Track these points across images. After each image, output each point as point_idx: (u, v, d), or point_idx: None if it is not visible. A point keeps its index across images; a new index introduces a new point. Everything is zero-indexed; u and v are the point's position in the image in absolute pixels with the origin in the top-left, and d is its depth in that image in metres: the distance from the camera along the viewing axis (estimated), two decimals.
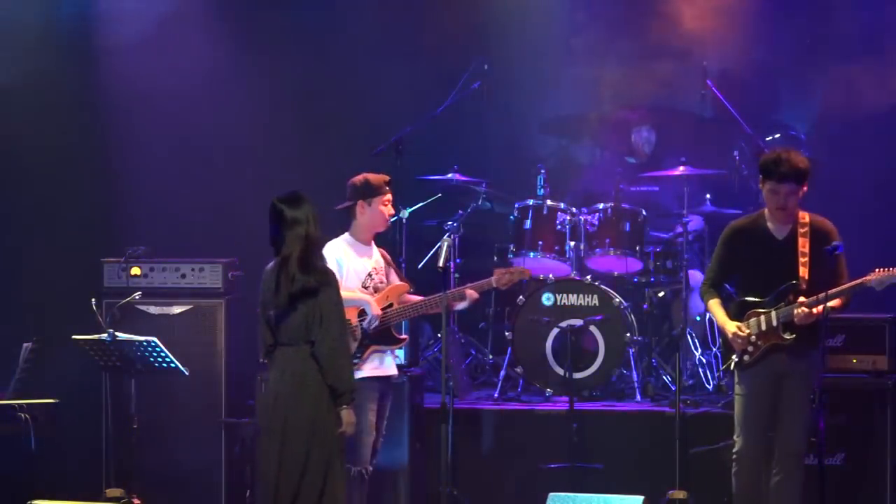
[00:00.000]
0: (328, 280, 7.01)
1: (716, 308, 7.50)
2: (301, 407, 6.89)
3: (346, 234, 7.95)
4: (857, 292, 7.24)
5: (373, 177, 7.94)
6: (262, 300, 7.04)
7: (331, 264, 7.59)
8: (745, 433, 7.39)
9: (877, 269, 7.19)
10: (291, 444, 6.87)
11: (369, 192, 7.89)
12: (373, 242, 8.03)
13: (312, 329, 6.91)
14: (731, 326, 7.37)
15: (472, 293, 7.95)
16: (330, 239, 7.81)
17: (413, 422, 8.82)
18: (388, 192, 7.93)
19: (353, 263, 7.85)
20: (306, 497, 6.87)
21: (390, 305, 7.90)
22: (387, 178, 7.97)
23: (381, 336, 7.86)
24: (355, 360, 7.63)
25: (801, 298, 7.23)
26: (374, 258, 7.99)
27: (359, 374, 7.64)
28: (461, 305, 8.05)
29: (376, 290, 7.90)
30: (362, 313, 7.78)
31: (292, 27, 10.76)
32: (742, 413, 7.42)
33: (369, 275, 7.91)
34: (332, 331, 6.93)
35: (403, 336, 8.00)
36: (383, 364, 7.90)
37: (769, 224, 7.41)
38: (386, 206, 7.92)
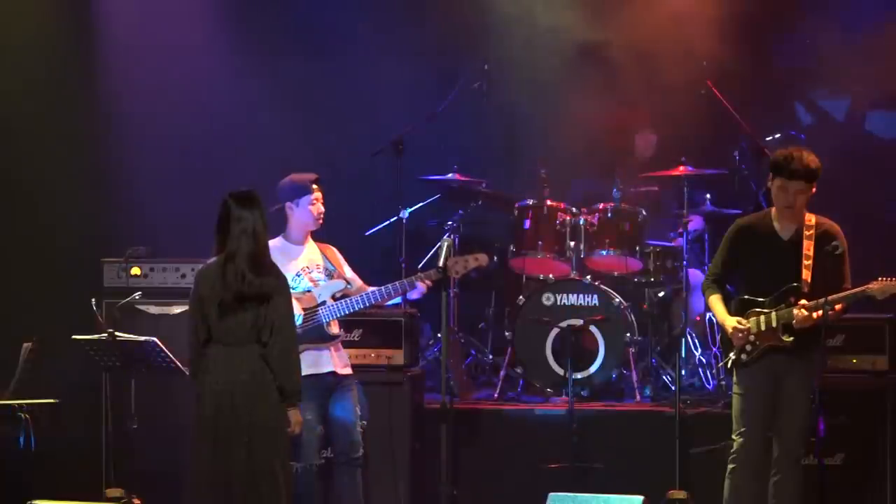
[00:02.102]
0: (281, 283, 7.00)
1: (716, 304, 7.50)
2: (263, 408, 6.88)
3: (279, 237, 7.99)
4: (859, 299, 7.24)
5: (298, 177, 7.97)
6: (200, 296, 6.95)
7: None
8: (743, 432, 7.39)
9: (880, 278, 7.18)
10: (258, 446, 6.85)
11: (295, 192, 7.94)
12: (309, 241, 8.03)
13: (263, 331, 6.89)
14: (730, 321, 7.37)
15: (424, 284, 7.92)
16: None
17: (413, 422, 8.83)
18: (315, 190, 7.94)
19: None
20: (271, 493, 6.88)
21: (323, 303, 7.89)
22: (314, 176, 7.97)
23: (313, 334, 7.84)
24: None
25: (802, 301, 7.23)
26: (307, 257, 7.99)
27: None
28: (414, 295, 8.01)
29: (307, 290, 7.90)
30: None
31: (292, 27, 10.77)
32: (740, 412, 7.42)
33: (297, 275, 7.91)
34: (284, 332, 6.93)
35: (338, 332, 7.95)
36: (317, 362, 7.87)
37: (775, 223, 7.41)
38: (314, 204, 7.94)
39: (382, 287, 7.97)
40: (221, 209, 6.98)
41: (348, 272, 8.13)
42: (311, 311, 7.87)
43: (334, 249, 8.16)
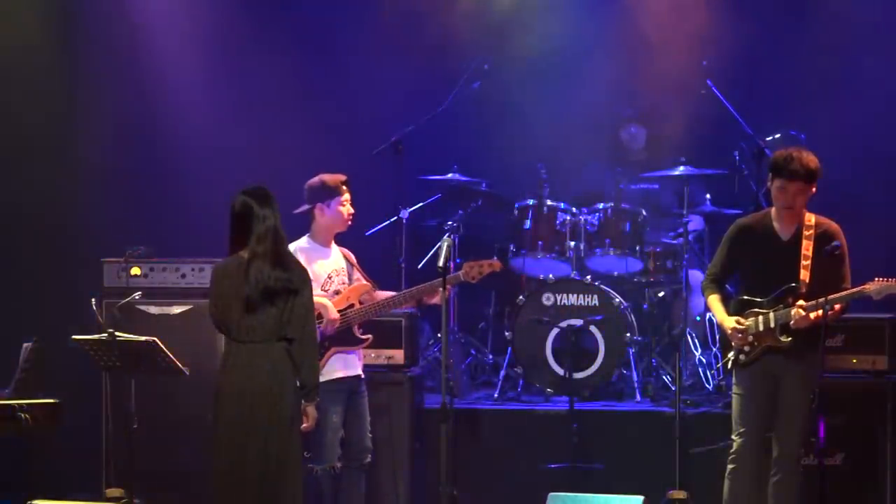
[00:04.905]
0: (306, 278, 7.01)
1: (715, 303, 7.50)
2: (283, 404, 6.89)
3: (305, 238, 7.97)
4: (857, 299, 7.24)
5: (329, 178, 7.94)
6: (220, 295, 6.96)
7: None
8: (743, 433, 7.39)
9: (877, 279, 7.17)
10: (275, 443, 6.86)
11: (327, 193, 7.91)
12: (333, 244, 8.03)
13: (287, 326, 6.89)
14: (730, 321, 7.37)
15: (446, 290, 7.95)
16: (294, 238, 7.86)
17: (413, 422, 8.83)
18: (345, 191, 7.93)
19: (311, 267, 7.85)
20: (285, 492, 6.90)
21: (351, 306, 7.91)
22: (343, 177, 7.97)
23: (343, 337, 7.87)
24: None
25: (801, 302, 7.23)
26: (334, 259, 7.99)
27: (324, 377, 7.68)
28: (435, 300, 8.02)
29: (337, 292, 7.91)
30: (319, 316, 7.77)
31: (293, 27, 10.76)
32: (739, 412, 7.42)
33: (329, 277, 7.92)
34: (307, 328, 6.95)
35: (366, 336, 7.97)
36: (347, 365, 7.91)
37: (775, 224, 7.41)
38: (344, 206, 7.93)
39: (406, 290, 8.05)
40: (240, 208, 6.94)
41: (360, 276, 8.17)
42: (342, 314, 7.88)
43: (349, 253, 8.18)
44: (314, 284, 7.79)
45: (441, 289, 7.72)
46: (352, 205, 7.97)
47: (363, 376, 8.05)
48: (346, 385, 7.88)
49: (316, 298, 7.73)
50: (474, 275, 7.99)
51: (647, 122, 10.74)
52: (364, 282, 8.03)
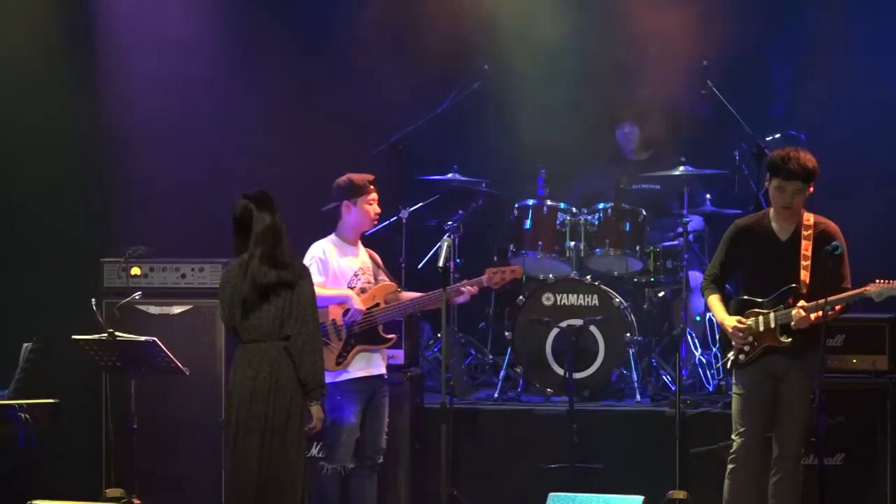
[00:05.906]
0: (303, 273, 7.03)
1: (715, 303, 7.50)
2: (278, 405, 6.90)
3: (333, 235, 8.03)
4: (857, 301, 7.24)
5: (357, 176, 8.00)
6: (225, 298, 7.01)
7: (315, 264, 7.70)
8: (743, 432, 7.39)
9: (877, 280, 7.17)
10: (271, 442, 6.88)
11: (354, 191, 7.97)
12: (360, 243, 8.07)
13: (286, 324, 6.92)
14: (730, 320, 7.37)
15: (470, 289, 8.00)
16: (311, 239, 7.92)
17: (413, 422, 8.83)
18: (373, 191, 7.99)
19: (338, 263, 7.91)
20: (285, 493, 6.90)
21: (376, 305, 7.94)
22: (371, 177, 8.04)
23: (368, 336, 7.91)
24: (340, 360, 7.71)
25: (801, 302, 7.23)
26: (361, 258, 8.04)
27: (345, 375, 7.69)
28: (460, 299, 8.09)
29: (363, 290, 7.95)
30: (347, 311, 7.80)
31: (292, 27, 10.76)
32: (739, 412, 7.42)
33: (355, 275, 7.97)
34: (307, 325, 6.95)
35: (391, 336, 8.01)
36: (370, 364, 7.96)
37: (773, 224, 7.41)
38: (371, 205, 8.00)
39: (431, 293, 8.08)
40: (241, 211, 7.01)
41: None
42: (367, 312, 7.90)
43: (375, 254, 8.20)
44: (341, 281, 7.84)
45: (465, 289, 7.92)
46: (378, 204, 8.01)
47: (386, 376, 8.08)
48: (367, 385, 7.93)
49: (342, 291, 7.78)
50: (497, 280, 8.12)
51: (641, 121, 10.72)
52: (389, 282, 8.06)
